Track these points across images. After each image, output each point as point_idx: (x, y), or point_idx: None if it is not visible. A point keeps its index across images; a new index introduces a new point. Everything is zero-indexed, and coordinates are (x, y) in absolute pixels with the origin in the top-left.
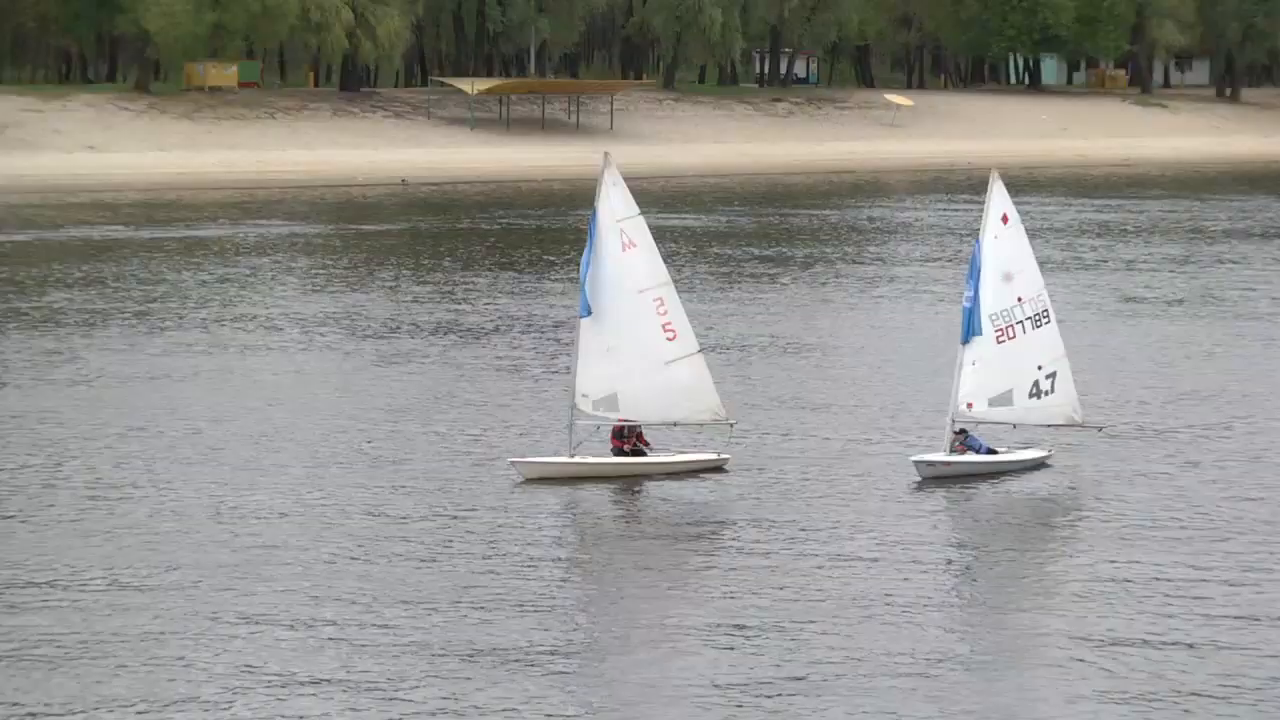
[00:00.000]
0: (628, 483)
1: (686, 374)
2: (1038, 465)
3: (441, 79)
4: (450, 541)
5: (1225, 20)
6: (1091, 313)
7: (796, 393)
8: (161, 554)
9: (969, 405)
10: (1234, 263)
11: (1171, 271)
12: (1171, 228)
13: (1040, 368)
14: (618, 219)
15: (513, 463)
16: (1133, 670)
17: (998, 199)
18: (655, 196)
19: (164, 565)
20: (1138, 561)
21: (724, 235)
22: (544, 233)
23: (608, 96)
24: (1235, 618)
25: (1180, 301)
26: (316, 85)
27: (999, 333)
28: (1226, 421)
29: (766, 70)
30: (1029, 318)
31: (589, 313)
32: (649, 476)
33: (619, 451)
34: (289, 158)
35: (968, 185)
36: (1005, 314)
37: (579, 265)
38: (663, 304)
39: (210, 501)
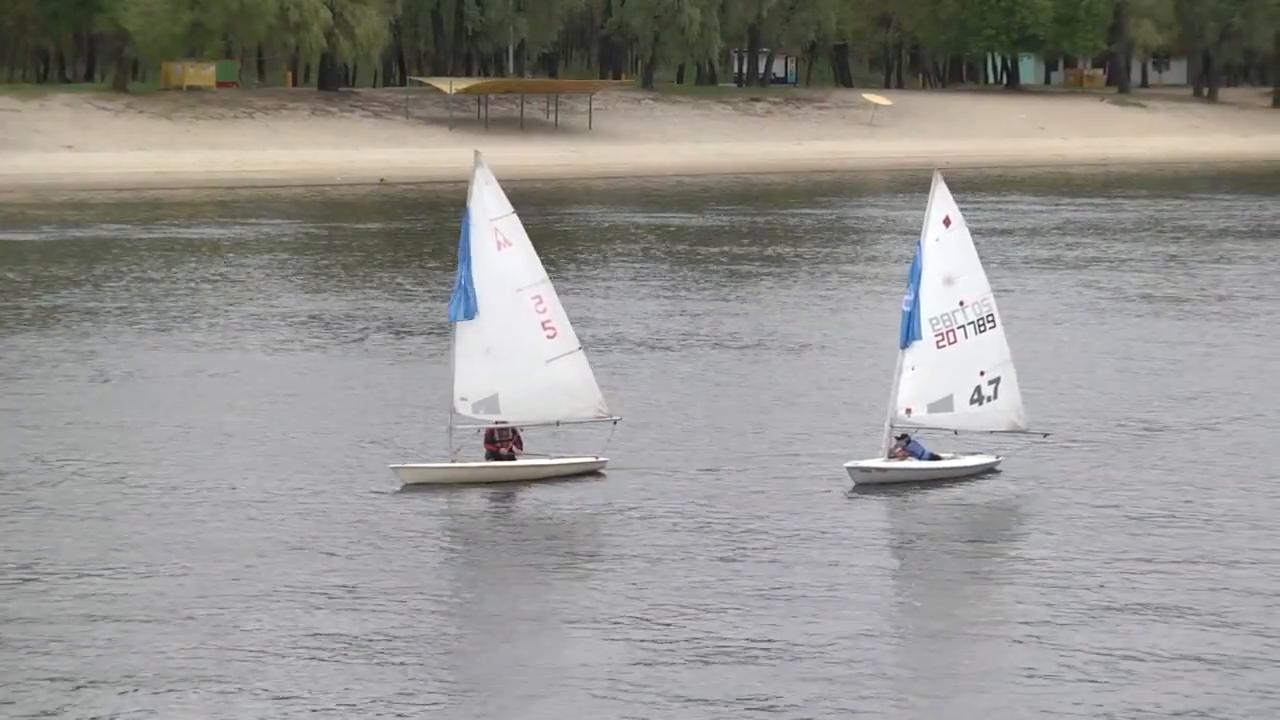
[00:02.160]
0: (508, 487)
1: (568, 372)
2: (983, 472)
3: (420, 78)
4: (326, 545)
5: (1203, 20)
6: (1052, 314)
7: (728, 392)
8: None
9: (908, 410)
10: (1207, 263)
11: (1140, 272)
12: (1146, 227)
13: (983, 373)
14: (491, 218)
15: (393, 468)
16: (1079, 680)
17: (940, 201)
18: (633, 196)
19: None
20: (1077, 569)
21: (700, 235)
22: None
23: (586, 96)
24: (1184, 622)
25: (1144, 301)
26: (295, 85)
27: (939, 337)
28: (1178, 425)
29: (745, 70)
30: (971, 322)
31: (464, 317)
32: (530, 480)
33: (494, 455)
34: (268, 157)
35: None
36: (946, 318)
37: (552, 265)
38: (541, 302)
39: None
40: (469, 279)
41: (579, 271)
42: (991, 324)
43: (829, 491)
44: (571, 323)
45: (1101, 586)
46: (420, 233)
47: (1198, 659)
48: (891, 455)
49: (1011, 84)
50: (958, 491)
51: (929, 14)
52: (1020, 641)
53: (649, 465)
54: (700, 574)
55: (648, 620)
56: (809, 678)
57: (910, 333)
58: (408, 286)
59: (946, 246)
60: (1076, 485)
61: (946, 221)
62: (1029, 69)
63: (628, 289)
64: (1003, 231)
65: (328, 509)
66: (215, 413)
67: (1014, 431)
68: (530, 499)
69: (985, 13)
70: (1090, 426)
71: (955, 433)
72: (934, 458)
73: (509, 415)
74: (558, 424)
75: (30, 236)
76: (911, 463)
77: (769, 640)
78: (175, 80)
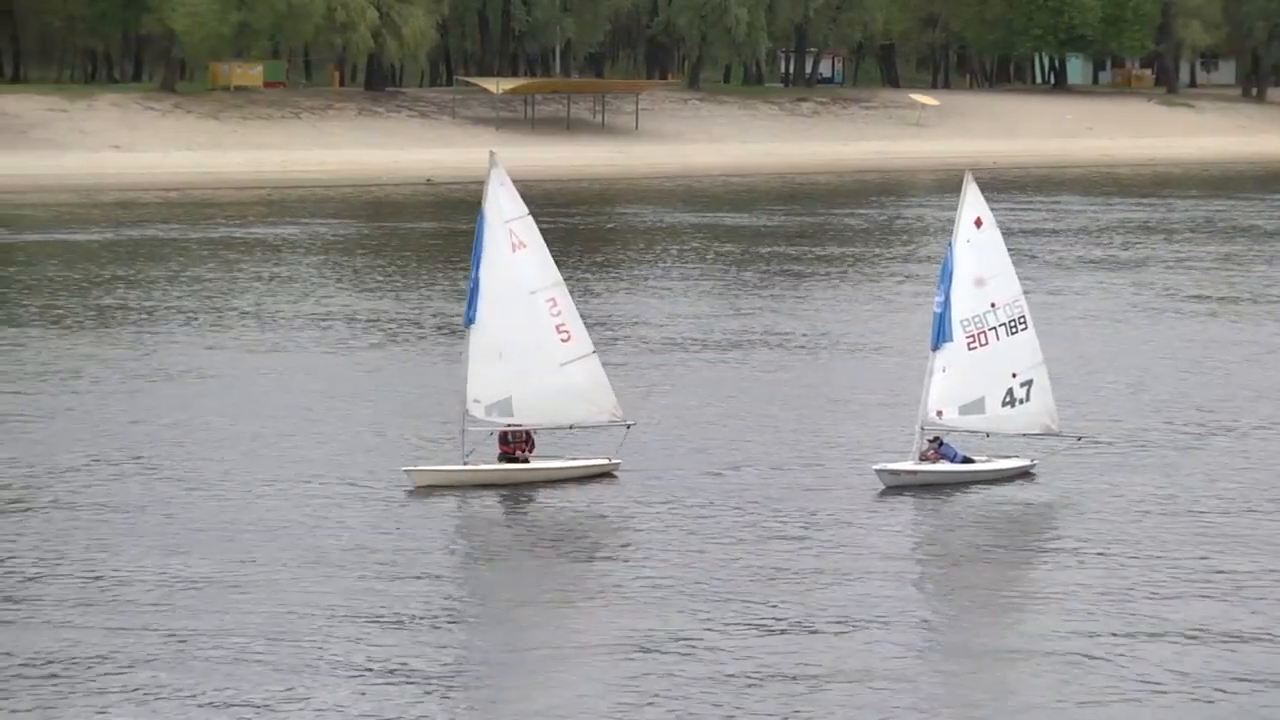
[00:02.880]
0: (521, 490)
1: (582, 375)
2: (1016, 475)
3: (466, 79)
4: (338, 546)
5: (1251, 20)
6: (1102, 315)
7: (757, 393)
8: None
9: (939, 413)
10: (1259, 263)
11: (1191, 272)
12: (1197, 228)
13: (1015, 375)
14: (506, 219)
15: (406, 470)
16: (1108, 689)
17: (972, 202)
18: (679, 196)
19: None
20: (1108, 575)
21: (746, 235)
22: (568, 231)
23: (633, 96)
24: (1219, 632)
25: (1195, 301)
26: (342, 85)
27: (970, 339)
28: (1222, 429)
29: (792, 70)
30: (1003, 324)
31: (472, 321)
32: (543, 483)
33: (507, 457)
34: (314, 157)
35: (991, 185)
36: (977, 320)
37: (599, 265)
38: (555, 304)
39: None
40: (476, 283)
41: (631, 271)
42: (1023, 325)
43: (857, 494)
44: (616, 323)
45: (1132, 591)
46: (467, 232)
47: (1232, 674)
48: (923, 457)
49: (1059, 84)
50: (988, 495)
51: (976, 14)
52: (1050, 648)
53: (667, 467)
54: (720, 576)
55: (659, 624)
56: (834, 681)
57: (941, 334)
58: (457, 286)
59: (978, 247)
60: (1112, 490)
61: (978, 222)
62: (1076, 69)
63: (681, 289)
64: (1051, 232)
65: (341, 511)
66: (237, 413)
67: (1046, 434)
68: (542, 501)
69: (1033, 13)
70: (1134, 429)
71: (987, 435)
72: (966, 460)
73: (522, 418)
74: (570, 428)
75: (83, 236)
76: (942, 465)
77: (794, 645)
78: (222, 80)
